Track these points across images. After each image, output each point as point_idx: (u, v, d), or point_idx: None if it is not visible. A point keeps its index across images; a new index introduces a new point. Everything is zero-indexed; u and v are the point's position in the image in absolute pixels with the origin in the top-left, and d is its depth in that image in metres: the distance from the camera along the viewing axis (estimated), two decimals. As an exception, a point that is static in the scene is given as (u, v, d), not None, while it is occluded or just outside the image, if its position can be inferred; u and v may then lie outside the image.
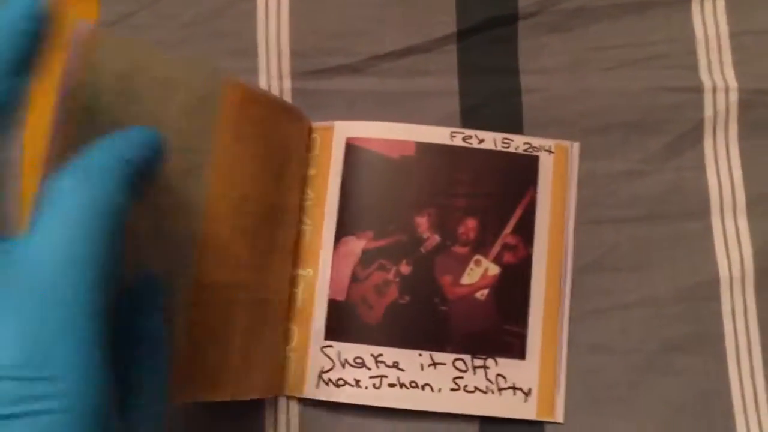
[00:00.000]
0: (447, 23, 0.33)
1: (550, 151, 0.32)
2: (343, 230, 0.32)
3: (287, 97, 0.33)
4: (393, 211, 0.32)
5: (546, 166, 0.32)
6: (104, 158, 0.20)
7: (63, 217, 0.18)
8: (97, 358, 0.18)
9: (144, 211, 0.23)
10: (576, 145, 0.32)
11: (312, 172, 0.32)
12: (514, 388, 0.31)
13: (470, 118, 0.33)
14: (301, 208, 0.32)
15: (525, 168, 0.32)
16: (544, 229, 0.31)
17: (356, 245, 0.31)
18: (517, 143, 0.32)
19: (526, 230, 0.31)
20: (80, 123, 0.23)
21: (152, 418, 0.21)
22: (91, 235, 0.18)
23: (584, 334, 0.31)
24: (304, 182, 0.32)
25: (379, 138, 0.32)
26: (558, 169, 0.32)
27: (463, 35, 0.33)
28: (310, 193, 0.32)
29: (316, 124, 0.32)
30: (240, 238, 0.28)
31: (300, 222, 0.32)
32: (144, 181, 0.21)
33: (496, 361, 0.31)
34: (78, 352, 0.18)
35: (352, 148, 0.32)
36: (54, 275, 0.18)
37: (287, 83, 0.33)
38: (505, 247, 0.31)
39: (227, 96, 0.27)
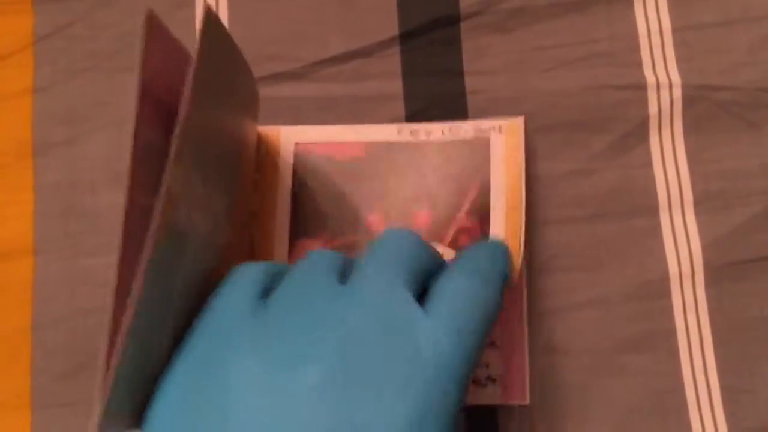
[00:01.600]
0: (389, 26, 0.33)
1: (499, 130, 0.31)
2: (296, 234, 0.31)
3: (229, 106, 0.33)
4: (346, 212, 0.31)
5: (497, 145, 0.31)
6: (494, 269, 0.23)
7: (460, 311, 0.21)
8: None
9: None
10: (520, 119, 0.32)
11: (257, 176, 0.32)
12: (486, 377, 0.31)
13: (415, 120, 0.32)
14: (251, 213, 0.31)
15: (476, 152, 0.31)
16: (500, 209, 0.31)
17: (311, 246, 0.31)
18: (466, 129, 0.31)
19: (480, 212, 0.31)
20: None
21: None
22: (478, 334, 0.21)
23: (535, 337, 0.31)
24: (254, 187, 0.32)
25: (328, 141, 0.32)
26: (510, 145, 0.31)
27: (405, 38, 0.33)
28: (257, 198, 0.32)
29: (261, 128, 0.32)
30: None
31: (249, 226, 0.31)
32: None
33: None
34: None
35: (300, 153, 0.32)
36: (448, 361, 0.20)
37: (228, 91, 0.33)
38: (460, 231, 0.31)
39: None
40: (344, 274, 0.22)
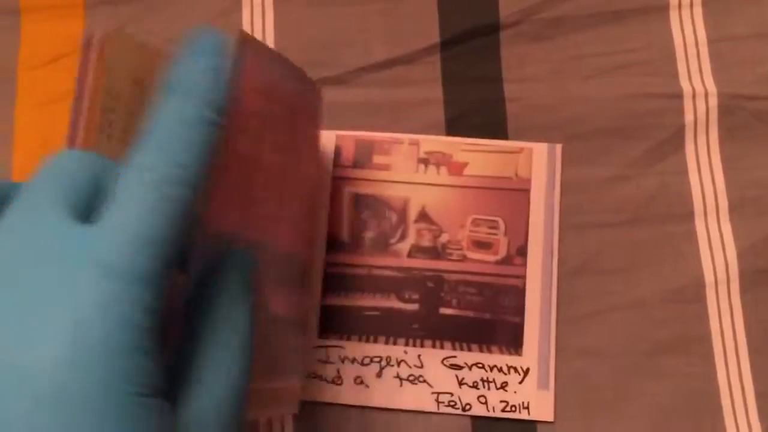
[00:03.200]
0: (430, 34, 0.34)
1: None
2: None
3: (273, 109, 0.33)
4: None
5: None
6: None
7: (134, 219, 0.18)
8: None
9: None
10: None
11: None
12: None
13: (455, 126, 0.33)
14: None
15: None
16: None
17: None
18: None
19: None
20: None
21: (217, 407, 0.19)
22: (160, 244, 0.18)
23: (572, 339, 0.31)
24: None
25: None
26: None
27: (446, 45, 0.34)
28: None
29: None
30: None
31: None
32: None
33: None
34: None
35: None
36: (122, 254, 0.17)
37: (273, 95, 0.33)
38: None
39: None
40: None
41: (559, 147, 0.32)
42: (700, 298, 0.32)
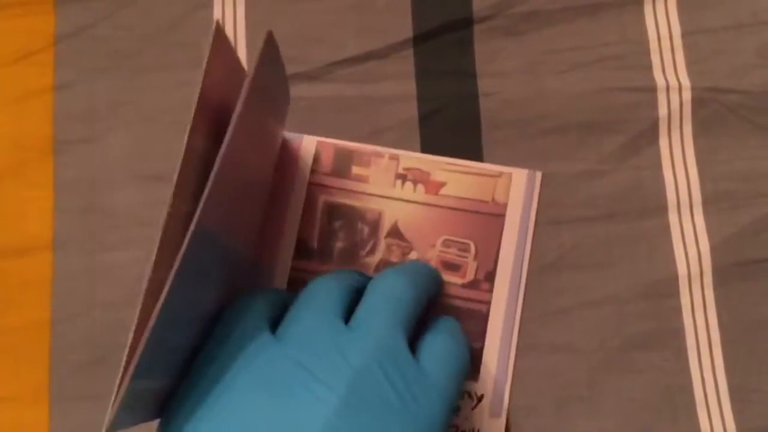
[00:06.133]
0: (403, 28, 0.33)
1: None
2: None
3: (246, 106, 0.33)
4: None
5: None
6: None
7: (447, 370, 0.25)
8: None
9: None
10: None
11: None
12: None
13: (428, 122, 0.33)
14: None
15: None
16: None
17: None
18: None
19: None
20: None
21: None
22: (457, 390, 0.26)
23: (546, 335, 0.31)
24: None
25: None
26: None
27: (419, 40, 0.33)
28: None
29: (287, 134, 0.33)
30: None
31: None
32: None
33: None
34: None
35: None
36: (434, 411, 0.23)
37: (245, 92, 0.33)
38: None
39: None
40: (347, 307, 0.25)
41: (538, 174, 0.32)
42: (674, 293, 0.32)
